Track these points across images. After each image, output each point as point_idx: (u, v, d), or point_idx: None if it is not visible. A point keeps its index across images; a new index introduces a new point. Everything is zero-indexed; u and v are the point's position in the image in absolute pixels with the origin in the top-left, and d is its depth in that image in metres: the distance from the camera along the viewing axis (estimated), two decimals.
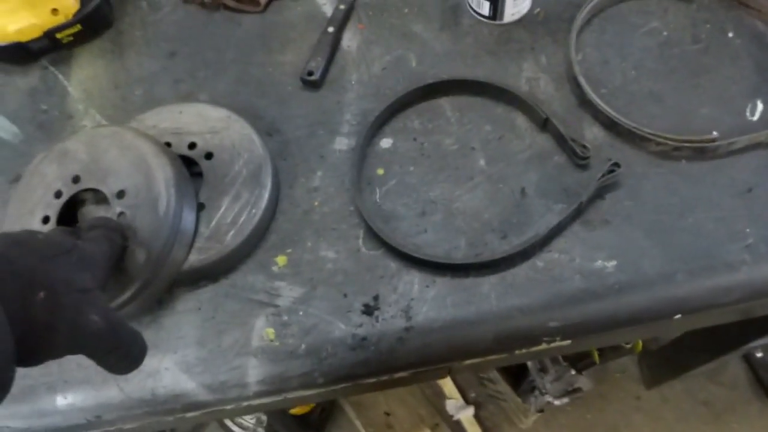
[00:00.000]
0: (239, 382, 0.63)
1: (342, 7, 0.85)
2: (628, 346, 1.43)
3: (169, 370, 0.64)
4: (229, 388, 0.63)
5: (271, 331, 0.64)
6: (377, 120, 0.74)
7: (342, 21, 0.84)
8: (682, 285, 0.64)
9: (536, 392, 1.48)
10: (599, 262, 0.66)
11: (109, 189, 0.65)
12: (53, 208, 0.66)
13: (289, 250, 0.69)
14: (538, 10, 0.83)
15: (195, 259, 0.65)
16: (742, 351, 1.25)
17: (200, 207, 0.68)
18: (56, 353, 0.44)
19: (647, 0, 0.82)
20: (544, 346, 0.66)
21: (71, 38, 0.85)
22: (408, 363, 0.65)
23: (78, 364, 0.65)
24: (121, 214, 0.63)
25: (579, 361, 1.42)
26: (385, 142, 0.75)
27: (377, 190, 0.72)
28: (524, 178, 0.71)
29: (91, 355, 0.47)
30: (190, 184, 0.68)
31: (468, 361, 0.67)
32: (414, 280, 0.66)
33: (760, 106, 0.73)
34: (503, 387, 1.51)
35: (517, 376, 1.51)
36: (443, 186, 0.71)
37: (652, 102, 0.75)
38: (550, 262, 0.66)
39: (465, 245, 0.68)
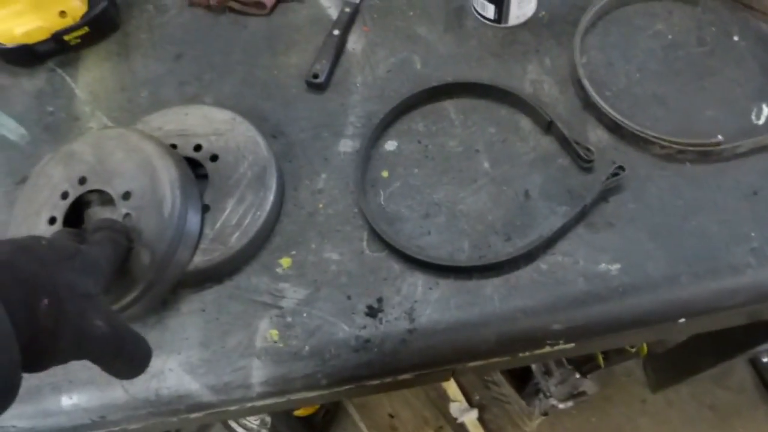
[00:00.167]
0: (243, 384, 0.64)
1: (347, 9, 0.85)
2: (633, 349, 1.42)
3: (173, 371, 0.64)
4: (232, 389, 0.64)
5: (275, 333, 0.65)
6: (382, 122, 0.74)
7: (347, 24, 0.84)
8: (687, 288, 0.64)
9: (541, 395, 1.48)
10: (603, 265, 0.66)
11: (114, 190, 0.65)
12: (59, 209, 0.66)
13: (293, 252, 0.69)
14: (543, 13, 0.83)
15: (199, 260, 0.66)
16: (748, 355, 1.24)
17: (205, 209, 0.68)
18: (61, 359, 0.44)
19: (652, 3, 0.82)
20: (547, 349, 0.66)
21: (78, 40, 0.85)
22: (411, 365, 0.65)
23: (83, 364, 0.64)
24: (126, 215, 0.63)
25: (584, 364, 1.42)
26: (390, 145, 0.75)
27: (381, 192, 0.72)
28: (528, 181, 0.71)
29: (95, 360, 0.47)
30: (195, 186, 0.68)
31: (471, 364, 0.67)
32: (417, 282, 0.66)
33: (765, 110, 0.73)
34: (507, 390, 1.51)
35: (521, 378, 1.51)
36: (447, 188, 0.71)
37: (656, 105, 0.75)
38: (554, 264, 0.66)
39: (469, 247, 0.68)
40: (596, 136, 0.73)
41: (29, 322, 0.41)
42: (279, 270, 0.68)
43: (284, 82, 0.82)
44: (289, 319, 0.65)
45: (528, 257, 0.66)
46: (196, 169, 0.70)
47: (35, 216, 0.67)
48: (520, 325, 0.64)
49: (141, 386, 0.64)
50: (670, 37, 0.79)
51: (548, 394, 1.44)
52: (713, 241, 0.66)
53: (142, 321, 0.67)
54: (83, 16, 0.84)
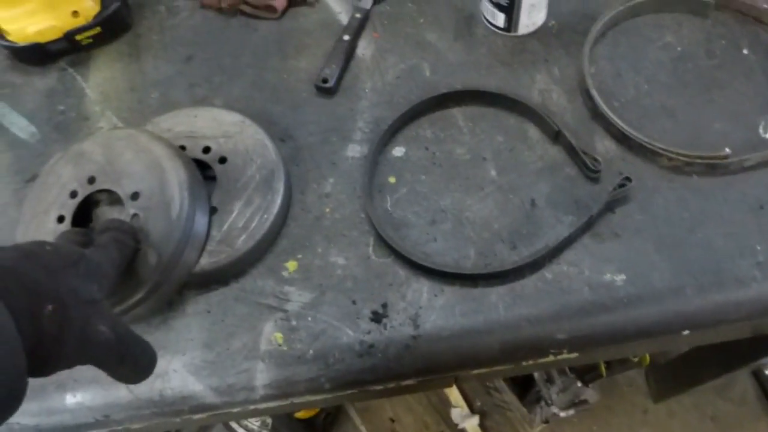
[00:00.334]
0: (246, 386, 0.64)
1: (357, 15, 0.86)
2: (636, 359, 1.42)
3: (177, 371, 0.64)
4: (236, 391, 0.64)
5: (279, 336, 0.65)
6: (390, 128, 0.75)
7: (357, 29, 0.85)
8: (692, 300, 0.65)
9: (542, 403, 1.48)
10: (608, 275, 0.66)
11: (123, 191, 0.65)
12: (68, 208, 0.67)
13: (299, 256, 0.69)
14: (552, 22, 0.83)
15: (206, 262, 0.66)
16: (751, 367, 1.25)
17: (212, 211, 0.68)
18: (66, 364, 0.44)
19: (662, 14, 0.82)
20: (551, 358, 0.66)
21: (90, 40, 0.86)
22: (415, 371, 0.65)
23: None
24: (134, 215, 0.64)
25: (586, 373, 1.42)
26: (398, 151, 0.75)
27: (388, 198, 0.72)
28: (535, 190, 0.71)
29: (100, 365, 0.47)
30: (204, 187, 0.69)
31: (475, 371, 0.67)
32: (423, 289, 0.66)
33: None
34: (509, 397, 1.51)
35: (523, 386, 1.51)
36: (454, 195, 0.72)
37: (664, 116, 0.75)
38: (559, 273, 0.66)
39: (474, 255, 0.68)
40: (604, 146, 0.73)
41: (34, 328, 0.41)
42: (285, 273, 0.68)
43: (293, 86, 0.82)
44: (293, 322, 0.66)
45: (533, 266, 0.66)
46: (204, 170, 0.71)
47: (44, 214, 0.68)
48: (525, 333, 0.64)
49: (145, 386, 0.64)
50: (679, 49, 0.79)
51: (550, 401, 1.44)
52: (719, 254, 0.66)
53: (147, 321, 0.67)
54: (96, 16, 0.85)
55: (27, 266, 0.44)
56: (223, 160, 0.71)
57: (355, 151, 0.76)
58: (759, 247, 0.66)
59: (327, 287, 0.67)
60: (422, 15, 0.87)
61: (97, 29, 0.85)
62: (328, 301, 0.67)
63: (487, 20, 0.83)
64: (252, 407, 0.66)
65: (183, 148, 0.71)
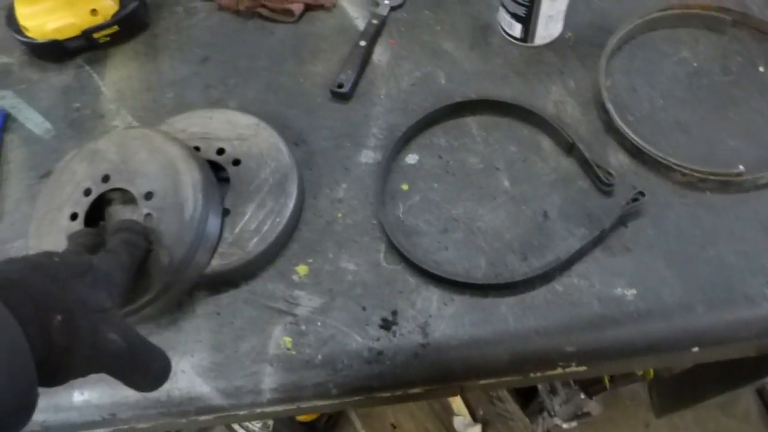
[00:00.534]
0: (254, 389, 0.64)
1: (374, 21, 0.86)
2: (640, 373, 1.42)
3: (185, 372, 0.65)
4: (243, 394, 0.64)
5: (288, 340, 0.65)
6: (404, 135, 0.75)
7: (373, 35, 0.85)
8: (702, 317, 0.64)
9: (545, 414, 1.48)
10: (619, 290, 0.66)
11: (137, 190, 0.65)
12: (81, 206, 0.67)
13: (310, 260, 0.69)
14: (569, 34, 0.83)
15: (217, 264, 0.66)
16: (756, 385, 1.24)
17: (225, 212, 0.68)
18: (77, 373, 0.45)
19: (678, 29, 0.82)
20: (559, 370, 0.66)
21: (107, 39, 0.87)
22: (423, 379, 0.65)
23: None
24: (147, 215, 0.64)
25: (590, 385, 1.41)
26: (411, 158, 0.75)
27: (400, 205, 0.72)
28: (547, 201, 0.71)
29: (112, 374, 0.47)
30: (217, 189, 0.69)
31: (483, 381, 0.67)
32: (433, 297, 0.66)
33: None
34: (512, 406, 1.51)
35: (526, 396, 1.51)
36: (466, 204, 0.72)
37: (678, 131, 0.75)
38: (570, 286, 0.66)
39: (485, 265, 0.68)
40: (617, 160, 0.73)
41: (44, 339, 0.41)
42: (295, 277, 0.69)
43: (309, 90, 0.82)
44: (303, 327, 0.66)
45: (544, 278, 0.66)
46: (217, 172, 0.71)
47: (57, 211, 0.68)
48: (534, 345, 0.64)
49: None
50: (695, 64, 0.79)
51: (552, 413, 1.44)
52: (730, 272, 0.66)
53: (156, 321, 0.67)
54: (114, 15, 0.85)
55: (35, 278, 0.45)
56: (236, 162, 0.71)
57: (368, 157, 0.76)
58: None
59: (337, 293, 0.67)
60: (439, 23, 0.87)
61: (115, 28, 0.86)
62: (338, 306, 0.67)
63: (504, 30, 0.83)
64: (258, 410, 0.66)
65: (197, 149, 0.72)
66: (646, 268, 0.67)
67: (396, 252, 0.68)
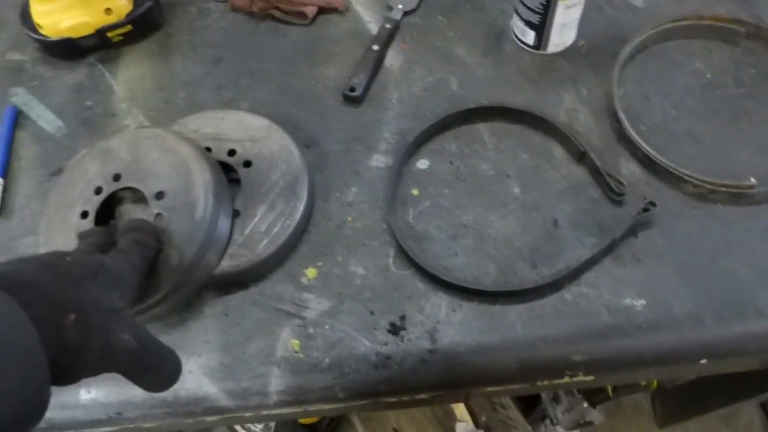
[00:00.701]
0: (261, 391, 0.64)
1: (387, 26, 0.86)
2: (643, 383, 1.41)
3: (192, 373, 0.64)
4: (250, 396, 0.64)
5: (296, 343, 0.65)
6: (415, 140, 0.75)
7: (386, 40, 0.85)
8: (711, 329, 0.64)
9: (547, 421, 1.47)
10: (628, 300, 0.65)
11: (148, 189, 0.66)
12: (92, 204, 0.67)
13: (319, 263, 0.69)
14: (582, 42, 0.83)
15: (227, 265, 0.66)
16: (760, 399, 1.23)
17: (235, 214, 0.68)
18: (89, 373, 0.44)
19: (692, 40, 0.82)
20: (566, 379, 0.66)
21: (120, 38, 0.87)
22: (430, 385, 0.65)
23: None
24: (158, 215, 0.64)
25: (594, 394, 1.41)
26: (422, 163, 0.75)
27: (411, 210, 0.72)
28: (558, 210, 0.71)
29: (124, 373, 0.47)
30: (228, 190, 0.69)
31: (490, 388, 0.67)
32: (441, 303, 0.66)
33: None
34: (514, 414, 1.50)
35: (528, 403, 1.50)
36: (476, 211, 0.72)
37: (690, 142, 0.75)
38: (579, 295, 0.66)
39: (494, 271, 0.68)
40: (629, 169, 0.73)
41: (57, 339, 0.41)
42: (304, 280, 0.69)
43: (320, 92, 0.82)
44: (311, 330, 0.66)
45: (553, 286, 0.66)
46: (228, 173, 0.71)
47: (68, 209, 0.68)
48: (542, 353, 0.64)
49: None
50: (708, 75, 0.79)
51: (555, 421, 1.43)
52: (740, 284, 0.66)
53: (164, 321, 0.67)
54: (128, 15, 0.86)
55: (48, 277, 0.45)
56: (247, 163, 0.71)
57: (379, 161, 0.76)
58: None
59: (345, 296, 0.67)
60: (452, 29, 0.87)
61: (129, 27, 0.86)
62: (346, 310, 0.67)
63: (517, 37, 0.83)
64: (265, 412, 0.66)
65: (208, 149, 0.72)
66: (656, 278, 0.66)
67: (405, 257, 0.68)
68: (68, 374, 0.43)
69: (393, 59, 0.85)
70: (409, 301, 0.67)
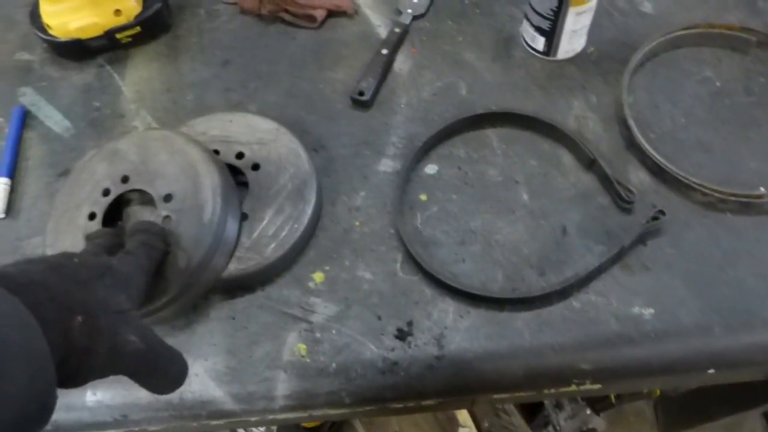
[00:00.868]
0: (267, 395, 0.64)
1: (397, 30, 0.86)
2: (645, 390, 1.41)
3: (198, 376, 0.64)
4: (256, 400, 0.64)
5: (303, 347, 0.65)
6: (424, 145, 0.75)
7: (396, 44, 0.85)
8: (719, 339, 0.64)
9: (549, 428, 1.47)
10: (636, 308, 0.65)
11: (156, 192, 0.65)
12: (100, 206, 0.67)
13: (326, 268, 0.69)
14: (592, 49, 0.83)
15: (234, 268, 0.66)
16: (763, 408, 1.23)
17: (243, 217, 0.68)
18: (96, 375, 0.44)
19: (702, 48, 0.82)
20: (573, 387, 0.66)
21: (129, 39, 0.87)
22: (436, 392, 0.64)
23: None
24: (166, 217, 0.64)
25: (597, 401, 1.41)
26: (430, 168, 0.75)
27: (418, 215, 0.72)
28: (566, 217, 0.71)
29: (131, 375, 0.47)
30: (236, 193, 0.69)
31: (496, 396, 0.67)
32: (449, 309, 0.66)
33: None
34: (517, 420, 1.50)
35: (531, 410, 1.50)
36: (484, 217, 0.71)
37: (700, 151, 0.74)
38: (587, 303, 0.66)
39: (502, 278, 0.68)
40: (638, 177, 0.73)
41: (64, 341, 0.41)
42: (311, 284, 0.68)
43: (329, 96, 0.82)
44: (317, 334, 0.65)
45: (561, 294, 0.66)
46: (236, 176, 0.71)
47: (75, 210, 0.68)
48: (549, 361, 0.64)
49: None
50: (718, 84, 0.79)
51: (558, 428, 1.43)
52: (749, 294, 0.65)
53: (171, 324, 0.67)
54: (137, 16, 0.85)
55: (55, 279, 0.44)
56: (256, 166, 0.71)
57: (387, 165, 0.76)
58: None
59: (353, 301, 0.67)
60: (461, 33, 0.87)
61: (137, 29, 0.86)
62: (353, 315, 0.66)
63: (527, 43, 0.83)
64: (270, 417, 0.66)
65: (217, 152, 0.72)
66: (665, 287, 0.66)
67: (413, 262, 0.68)
68: (75, 376, 0.43)
69: (402, 63, 0.85)
70: (417, 306, 0.66)
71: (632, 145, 0.74)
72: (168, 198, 0.65)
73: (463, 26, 0.88)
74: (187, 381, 0.63)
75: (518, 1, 0.88)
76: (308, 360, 0.64)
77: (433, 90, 0.81)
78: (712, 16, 0.84)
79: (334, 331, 0.65)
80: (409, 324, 0.65)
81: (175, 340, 0.66)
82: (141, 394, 0.64)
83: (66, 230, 0.67)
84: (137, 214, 0.70)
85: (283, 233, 0.67)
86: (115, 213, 0.69)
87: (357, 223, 0.72)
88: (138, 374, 0.48)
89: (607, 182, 0.71)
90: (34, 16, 0.86)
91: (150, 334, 0.48)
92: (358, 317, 0.66)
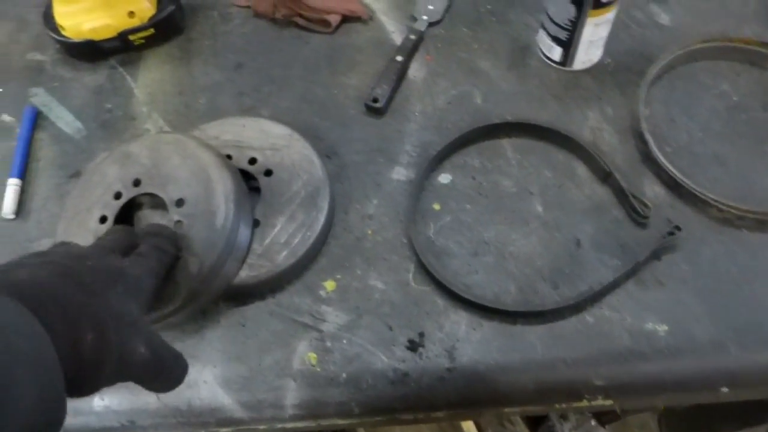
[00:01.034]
0: (276, 404, 0.63)
1: (411, 36, 0.85)
2: None
3: (207, 383, 0.64)
4: (265, 408, 0.63)
5: (313, 356, 0.64)
6: (438, 154, 0.74)
7: (410, 50, 0.84)
8: (734, 357, 0.63)
9: None
10: (650, 324, 0.64)
11: (168, 196, 0.65)
12: (111, 209, 0.66)
13: (338, 276, 0.69)
14: (609, 60, 0.82)
15: (245, 275, 0.65)
16: None
17: (255, 224, 0.68)
18: (103, 385, 0.44)
19: (720, 62, 0.81)
20: (585, 402, 0.65)
21: (142, 41, 0.86)
22: (447, 403, 0.64)
23: None
24: (178, 222, 0.63)
25: (603, 413, 1.40)
26: (444, 178, 0.74)
27: (431, 225, 0.71)
28: (580, 229, 0.70)
29: (136, 381, 0.47)
30: (249, 199, 0.68)
31: (507, 409, 0.66)
32: (461, 321, 0.65)
33: None
34: (522, 429, 1.49)
35: (536, 420, 1.49)
36: (498, 228, 0.71)
37: (716, 165, 0.74)
38: (601, 318, 0.65)
39: (515, 290, 0.67)
40: (653, 191, 0.72)
41: (73, 354, 0.41)
42: (322, 292, 0.68)
43: (343, 102, 0.82)
44: (328, 343, 0.65)
45: (575, 308, 0.65)
46: (248, 182, 0.70)
47: (86, 212, 0.67)
48: (561, 375, 0.63)
49: (174, 395, 0.63)
50: (735, 98, 0.78)
51: None
52: (765, 313, 0.65)
53: (181, 329, 0.66)
54: (151, 18, 0.85)
55: (66, 288, 0.44)
56: (268, 172, 0.71)
57: (400, 174, 0.75)
58: None
59: (364, 310, 0.66)
60: (477, 41, 0.86)
61: (151, 31, 0.86)
62: (365, 324, 0.66)
63: (543, 53, 0.82)
64: (279, 426, 0.65)
65: (229, 157, 0.71)
66: (679, 304, 0.65)
67: (425, 272, 0.67)
68: (83, 388, 0.43)
69: (416, 71, 0.84)
70: (428, 317, 0.66)
71: (648, 159, 0.73)
72: (180, 203, 0.64)
73: (478, 34, 0.87)
74: (196, 387, 0.64)
75: (534, 9, 0.88)
76: (318, 369, 0.64)
77: (447, 98, 0.81)
78: (730, 29, 0.83)
79: (344, 341, 0.65)
80: (421, 335, 0.65)
81: (184, 345, 0.65)
82: (149, 400, 0.64)
83: (76, 233, 0.66)
84: (148, 217, 0.70)
85: (296, 241, 0.67)
86: (126, 216, 0.68)
87: (369, 232, 0.71)
88: (142, 380, 0.48)
89: (622, 195, 0.71)
90: (47, 17, 0.85)
91: (156, 340, 0.48)
92: (369, 327, 0.65)
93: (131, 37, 0.85)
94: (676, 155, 0.74)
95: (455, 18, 0.90)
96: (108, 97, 0.84)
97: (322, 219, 0.68)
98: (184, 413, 0.64)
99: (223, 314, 0.67)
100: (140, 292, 0.51)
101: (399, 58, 0.83)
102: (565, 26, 0.76)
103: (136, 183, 0.67)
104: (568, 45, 0.78)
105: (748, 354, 0.63)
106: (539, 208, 0.72)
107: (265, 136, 0.73)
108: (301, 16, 0.88)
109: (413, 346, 0.64)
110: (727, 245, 0.68)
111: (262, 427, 0.65)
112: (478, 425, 1.52)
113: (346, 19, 0.89)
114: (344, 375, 0.63)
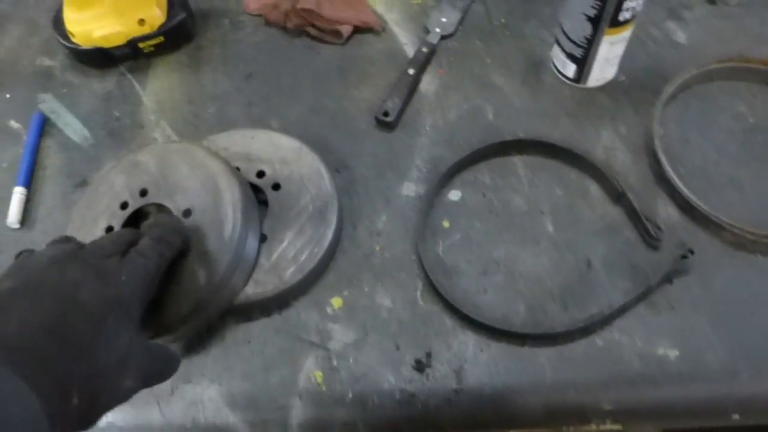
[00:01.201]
0: (281, 422, 0.62)
1: (424, 49, 0.84)
2: None
3: (212, 401, 0.63)
4: (270, 428, 0.62)
5: (319, 375, 0.63)
6: (449, 170, 0.73)
7: (422, 64, 0.83)
8: (746, 384, 0.62)
9: None
10: (661, 350, 0.63)
11: (176, 206, 0.64)
12: (117, 219, 0.66)
13: (345, 293, 0.68)
14: (623, 78, 0.81)
15: (252, 291, 0.64)
16: None
17: (262, 238, 0.67)
18: (94, 424, 0.45)
19: (736, 83, 0.80)
20: (593, 426, 0.64)
21: (152, 49, 0.86)
22: (453, 425, 0.63)
23: None
24: None
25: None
26: (454, 194, 0.74)
27: (441, 243, 0.70)
28: (591, 250, 0.69)
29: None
30: (257, 211, 0.67)
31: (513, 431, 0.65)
32: (469, 342, 0.65)
33: None
34: None
35: None
36: (508, 247, 0.70)
37: (731, 188, 0.73)
38: (611, 342, 0.64)
39: (524, 311, 0.66)
40: (666, 212, 0.71)
41: (60, 414, 0.40)
42: (329, 309, 0.67)
43: (353, 114, 0.81)
44: (335, 362, 0.64)
45: (585, 331, 0.64)
46: (256, 194, 0.69)
47: (92, 223, 0.67)
48: (570, 399, 0.62)
49: (179, 412, 0.62)
50: (751, 120, 0.77)
51: None
52: None
53: (186, 343, 0.66)
54: (161, 26, 0.84)
55: (53, 347, 0.43)
56: (276, 186, 0.70)
57: (410, 189, 0.74)
58: None
59: (371, 328, 0.66)
60: (490, 56, 0.85)
61: (161, 38, 0.85)
62: (371, 343, 0.65)
63: (557, 69, 0.81)
64: None
65: (237, 169, 0.70)
66: (691, 329, 0.64)
67: (434, 291, 0.67)
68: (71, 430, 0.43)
69: (428, 84, 0.83)
70: (436, 337, 0.65)
71: (662, 180, 0.72)
72: (187, 213, 0.64)
73: (492, 48, 0.86)
74: (201, 405, 0.63)
75: (550, 23, 0.87)
76: (324, 388, 0.63)
77: (459, 113, 0.80)
78: (747, 48, 0.82)
79: (351, 359, 0.64)
80: (428, 355, 0.64)
81: (189, 362, 0.65)
82: (152, 417, 0.63)
83: None
84: None
85: (303, 256, 0.66)
86: (133, 226, 0.67)
87: (378, 248, 0.70)
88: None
89: (634, 217, 0.70)
90: (57, 23, 0.85)
91: (145, 364, 0.49)
92: (376, 346, 0.65)
93: (141, 45, 0.84)
94: (690, 176, 0.73)
95: (468, 31, 0.89)
96: (116, 104, 0.84)
97: (330, 234, 0.67)
98: (188, 430, 0.63)
99: (229, 330, 0.66)
100: (135, 309, 0.51)
101: (411, 71, 0.82)
102: (581, 43, 0.75)
103: (143, 193, 0.66)
104: (583, 62, 0.77)
105: (761, 381, 0.62)
106: (550, 228, 0.71)
107: (274, 149, 0.72)
108: (313, 26, 0.88)
109: (420, 367, 0.63)
110: (741, 270, 0.67)
111: None
112: None
113: (358, 30, 0.89)
114: (350, 394, 0.62)
